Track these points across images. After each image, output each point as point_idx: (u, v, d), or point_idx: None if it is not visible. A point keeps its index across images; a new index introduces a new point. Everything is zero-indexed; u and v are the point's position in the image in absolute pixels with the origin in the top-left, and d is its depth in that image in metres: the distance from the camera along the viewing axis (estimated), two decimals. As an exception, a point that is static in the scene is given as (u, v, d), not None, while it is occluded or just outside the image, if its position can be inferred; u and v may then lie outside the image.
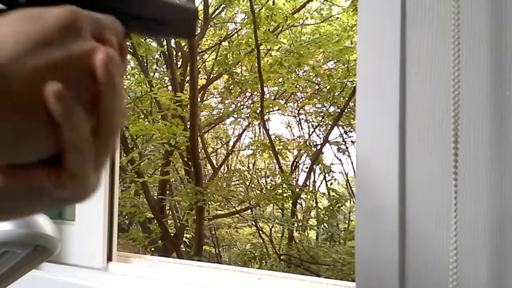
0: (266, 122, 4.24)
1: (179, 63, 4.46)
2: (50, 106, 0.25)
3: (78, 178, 0.27)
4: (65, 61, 0.27)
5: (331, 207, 4.33)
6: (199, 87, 4.28)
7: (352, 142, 4.48)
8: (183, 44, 4.33)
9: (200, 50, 4.46)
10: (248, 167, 5.25)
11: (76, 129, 0.27)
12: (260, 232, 4.40)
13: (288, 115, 5.05)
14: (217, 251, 4.54)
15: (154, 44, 4.29)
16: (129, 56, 4.42)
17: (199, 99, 4.23)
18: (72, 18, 0.28)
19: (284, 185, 4.28)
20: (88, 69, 0.28)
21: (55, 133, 0.26)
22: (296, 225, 4.55)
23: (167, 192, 4.46)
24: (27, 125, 0.25)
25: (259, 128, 4.93)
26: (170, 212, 4.40)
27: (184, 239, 4.33)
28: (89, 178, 0.28)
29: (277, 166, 4.53)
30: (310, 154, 4.57)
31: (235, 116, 4.69)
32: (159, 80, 4.82)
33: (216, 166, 4.88)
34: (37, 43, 0.26)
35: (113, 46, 0.31)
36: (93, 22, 0.30)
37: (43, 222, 0.50)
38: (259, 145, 4.59)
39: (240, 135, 5.09)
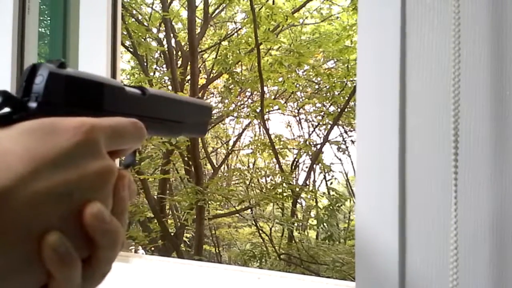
0: (266, 122, 4.24)
1: (179, 62, 4.46)
2: (44, 253, 0.23)
3: None
4: (75, 184, 0.24)
5: (331, 207, 4.33)
6: (199, 86, 4.27)
7: (352, 141, 4.48)
8: (183, 44, 4.33)
9: (200, 50, 4.45)
10: (248, 166, 5.25)
11: (67, 281, 0.25)
12: (260, 231, 4.40)
13: (288, 115, 5.05)
14: (217, 251, 4.55)
15: (154, 43, 4.29)
16: (129, 56, 4.42)
17: (199, 99, 4.22)
18: (87, 136, 0.25)
19: (284, 185, 4.28)
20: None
21: (46, 273, 0.24)
22: (296, 224, 4.55)
23: (167, 191, 4.46)
24: (21, 261, 0.22)
25: (259, 128, 4.93)
26: (170, 212, 4.41)
27: (184, 238, 4.33)
28: None
29: (277, 166, 4.53)
30: (310, 154, 4.57)
31: (235, 115, 4.69)
32: (159, 80, 4.81)
33: (216, 166, 4.88)
34: (45, 163, 0.23)
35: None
36: (110, 132, 0.27)
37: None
38: (259, 144, 4.59)
39: (240, 135, 5.09)
